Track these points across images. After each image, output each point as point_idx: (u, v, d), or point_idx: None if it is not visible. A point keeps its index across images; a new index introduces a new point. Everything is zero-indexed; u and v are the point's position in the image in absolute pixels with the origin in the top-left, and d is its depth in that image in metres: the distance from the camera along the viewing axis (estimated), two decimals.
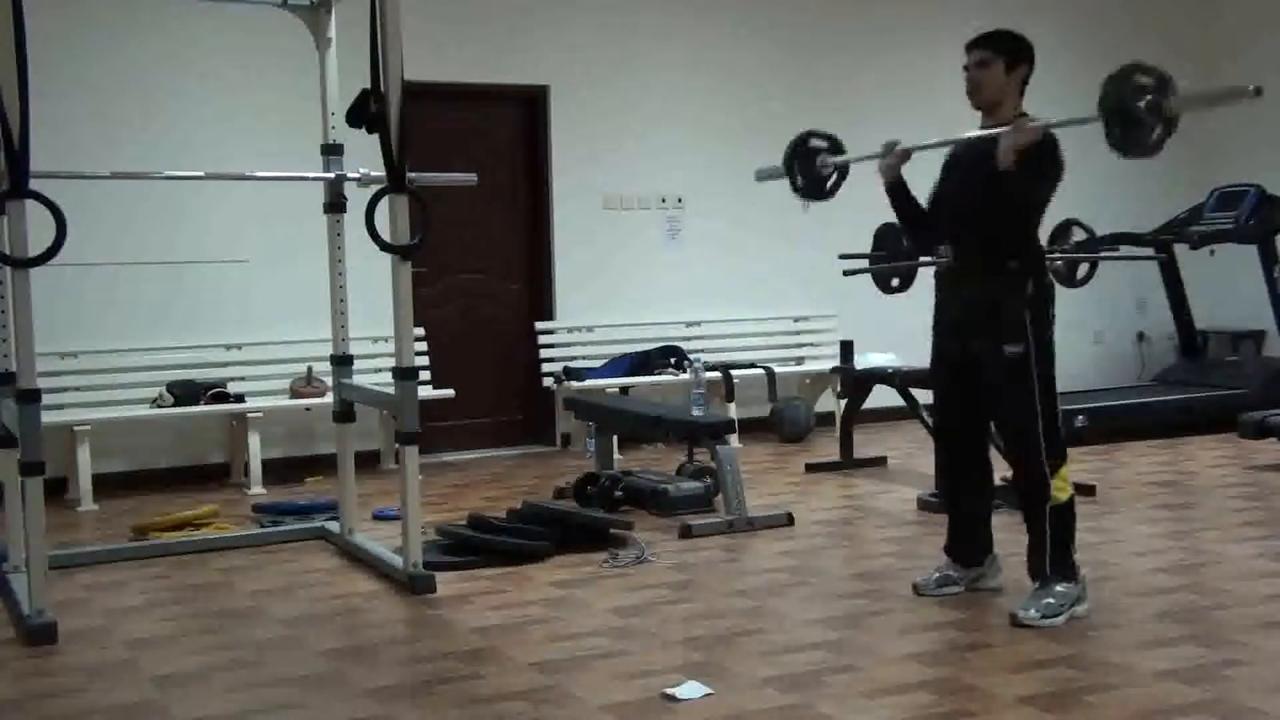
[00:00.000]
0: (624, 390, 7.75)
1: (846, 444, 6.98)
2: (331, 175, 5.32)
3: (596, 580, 4.74)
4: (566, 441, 7.92)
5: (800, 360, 8.50)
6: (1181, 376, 8.56)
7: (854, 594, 4.46)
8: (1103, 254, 6.61)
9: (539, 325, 7.96)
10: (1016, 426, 4.13)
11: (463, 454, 7.73)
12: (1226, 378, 8.22)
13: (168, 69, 7.00)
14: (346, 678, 3.70)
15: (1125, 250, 7.89)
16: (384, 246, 4.55)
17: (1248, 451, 7.12)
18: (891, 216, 4.51)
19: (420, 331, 6.87)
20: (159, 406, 6.83)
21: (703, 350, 7.85)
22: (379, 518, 5.91)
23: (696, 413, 5.99)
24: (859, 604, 4.33)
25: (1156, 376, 8.87)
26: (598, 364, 7.94)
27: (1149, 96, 3.54)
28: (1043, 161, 3.98)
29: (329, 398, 5.92)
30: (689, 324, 8.30)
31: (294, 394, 7.09)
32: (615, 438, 6.84)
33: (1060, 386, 4.13)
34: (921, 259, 6.30)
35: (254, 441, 6.84)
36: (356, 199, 4.95)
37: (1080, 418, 7.30)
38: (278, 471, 6.95)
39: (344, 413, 5.45)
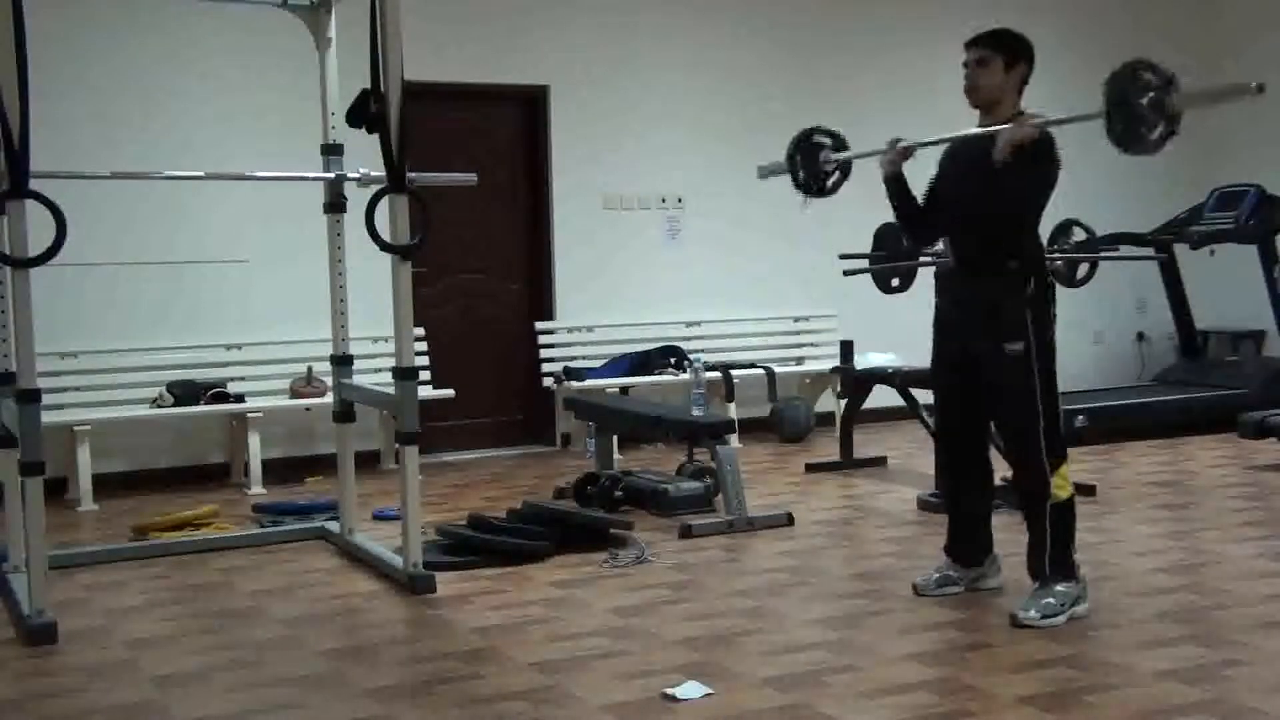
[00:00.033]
0: (624, 390, 7.75)
1: (846, 444, 6.98)
2: (331, 175, 5.32)
3: (596, 580, 4.74)
4: (566, 441, 7.92)
5: (800, 360, 8.50)
6: (1181, 376, 8.56)
7: (854, 594, 4.46)
8: (1103, 254, 6.60)
9: (539, 325, 7.96)
10: (1017, 425, 4.13)
11: (463, 454, 7.73)
12: (1226, 378, 8.22)
13: (168, 69, 7.00)
14: (346, 678, 3.70)
15: (1125, 250, 7.89)
16: (384, 246, 4.55)
17: (1248, 451, 7.12)
18: (892, 217, 4.51)
19: (420, 331, 6.88)
20: (159, 406, 6.84)
21: (703, 350, 7.84)
22: (379, 518, 5.91)
23: (696, 413, 5.99)
24: (859, 604, 4.33)
25: (1156, 376, 8.87)
26: (598, 364, 7.94)
27: (1152, 93, 3.54)
28: (1039, 159, 3.99)
29: (329, 398, 5.92)
30: (689, 324, 8.30)
31: (294, 394, 7.09)
32: (615, 438, 6.84)
33: (1060, 386, 4.13)
34: (921, 259, 6.30)
35: (254, 441, 6.84)
36: (356, 199, 4.95)
37: (1080, 418, 7.31)
38: (278, 471, 6.95)
39: (344, 413, 5.45)
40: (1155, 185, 8.92)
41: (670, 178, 8.24)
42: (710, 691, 3.45)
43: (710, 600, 4.43)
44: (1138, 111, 3.57)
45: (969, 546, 4.41)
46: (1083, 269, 6.49)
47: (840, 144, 4.76)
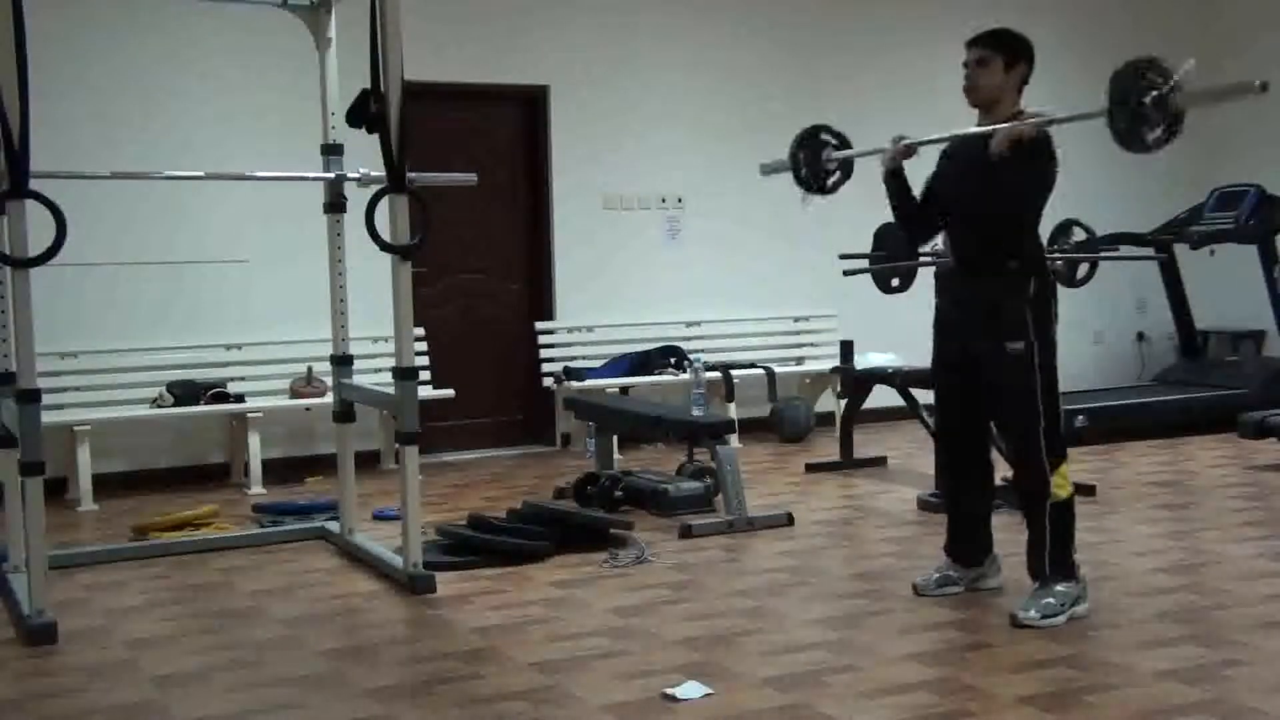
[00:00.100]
0: (624, 390, 7.75)
1: (846, 444, 6.98)
2: (331, 175, 5.32)
3: (596, 580, 4.74)
4: (566, 441, 7.92)
5: (800, 360, 8.50)
6: (1181, 376, 8.56)
7: (854, 594, 4.46)
8: (1103, 254, 6.60)
9: (539, 325, 7.96)
10: (1018, 425, 4.13)
11: (463, 454, 7.73)
12: (1226, 378, 8.22)
13: (168, 69, 7.00)
14: (346, 678, 3.70)
15: (1125, 250, 7.89)
16: (384, 246, 4.55)
17: (1248, 451, 7.12)
18: (892, 217, 4.51)
19: (420, 331, 6.88)
20: (159, 406, 6.84)
21: (703, 350, 7.85)
22: (379, 518, 5.91)
23: (696, 413, 5.99)
24: (859, 604, 4.33)
25: (1156, 376, 8.87)
26: (598, 364, 7.94)
27: (1155, 91, 3.54)
28: (1036, 157, 3.99)
29: (329, 398, 5.91)
30: (689, 324, 8.30)
31: (294, 394, 7.09)
32: (615, 438, 6.84)
33: (1060, 386, 4.13)
34: (921, 259, 6.30)
35: (254, 441, 6.85)
36: (356, 199, 4.94)
37: (1080, 418, 7.31)
38: (278, 471, 6.95)
39: (344, 413, 5.45)
40: (1155, 185, 8.92)
41: (670, 178, 8.24)
42: (710, 691, 3.45)
43: (710, 600, 4.43)
44: (1141, 110, 3.57)
45: (969, 546, 4.41)
46: (1083, 269, 6.50)
47: (844, 145, 4.77)
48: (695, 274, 8.28)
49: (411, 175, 4.55)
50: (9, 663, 3.91)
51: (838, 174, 4.78)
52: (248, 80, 7.13)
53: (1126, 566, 4.72)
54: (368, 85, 4.57)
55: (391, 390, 4.74)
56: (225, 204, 7.06)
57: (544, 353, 7.92)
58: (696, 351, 7.70)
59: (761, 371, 8.05)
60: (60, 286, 6.38)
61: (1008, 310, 4.06)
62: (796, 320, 8.58)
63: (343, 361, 5.46)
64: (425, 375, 7.27)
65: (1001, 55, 4.10)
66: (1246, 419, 6.98)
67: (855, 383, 7.03)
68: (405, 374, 4.59)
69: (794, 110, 7.04)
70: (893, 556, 4.98)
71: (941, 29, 8.00)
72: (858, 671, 3.62)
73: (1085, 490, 5.72)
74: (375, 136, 4.52)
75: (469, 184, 5.37)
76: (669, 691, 3.45)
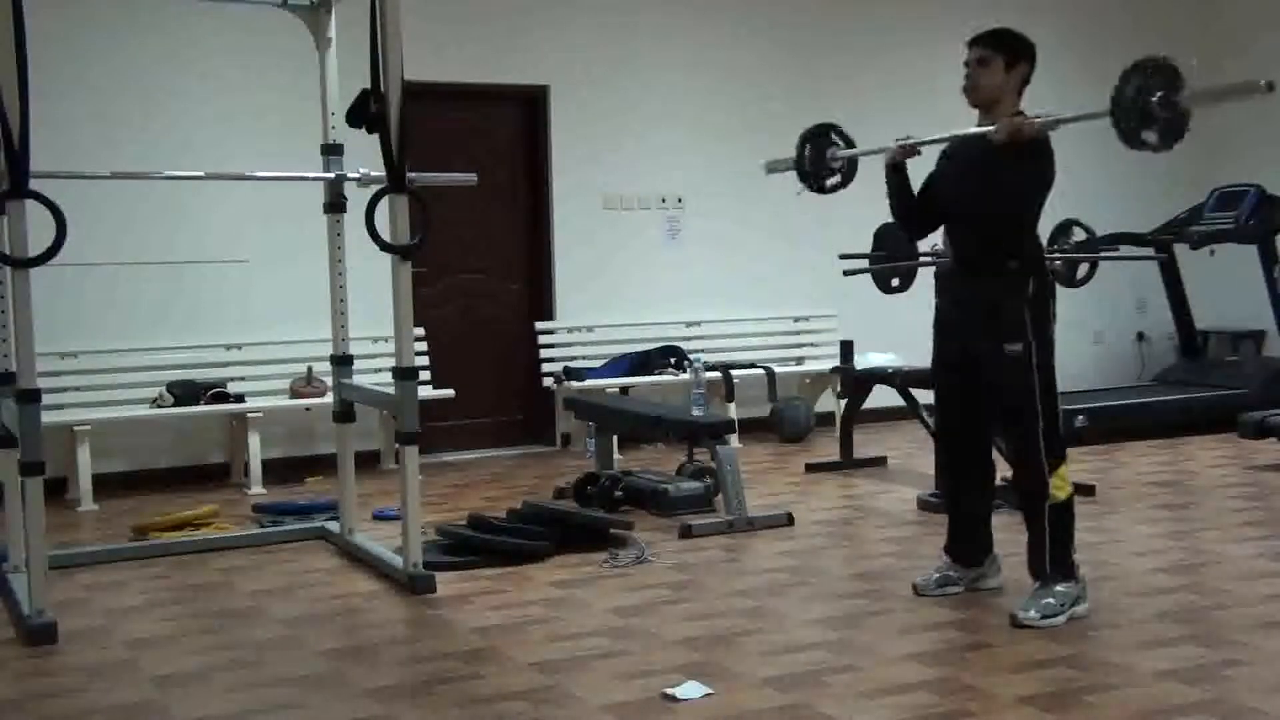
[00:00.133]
0: (624, 390, 7.75)
1: (846, 444, 6.98)
2: (331, 175, 5.32)
3: (596, 580, 4.74)
4: (566, 441, 7.92)
5: (800, 360, 8.50)
6: (1181, 376, 8.56)
7: (854, 594, 4.46)
8: (1103, 254, 6.60)
9: (539, 325, 7.96)
10: (1017, 425, 4.13)
11: (463, 454, 7.73)
12: (1226, 378, 8.22)
13: (168, 69, 7.00)
14: (346, 678, 3.70)
15: (1125, 250, 7.89)
16: (384, 246, 4.55)
17: (1248, 451, 7.12)
18: (892, 217, 4.52)
19: (420, 331, 6.88)
20: (159, 406, 6.84)
21: (703, 350, 7.84)
22: (379, 518, 5.91)
23: (696, 413, 5.99)
24: (859, 604, 4.33)
25: (1156, 376, 8.87)
26: (598, 364, 7.94)
27: (1161, 91, 3.54)
28: (1034, 157, 4.00)
29: (329, 398, 5.91)
30: (689, 324, 8.30)
31: (294, 394, 7.09)
32: (615, 438, 6.84)
33: (1060, 386, 4.13)
34: (921, 259, 6.31)
35: (254, 441, 6.84)
36: (356, 199, 4.94)
37: (1080, 418, 7.31)
38: (278, 471, 6.95)
39: (344, 413, 5.45)
40: (1155, 185, 8.92)
41: (670, 178, 8.24)
42: (710, 691, 3.45)
43: (710, 600, 4.43)
44: (1147, 110, 3.57)
45: (969, 546, 4.41)
46: (1083, 269, 6.49)
47: (845, 139, 4.78)
48: (695, 274, 8.28)
49: (411, 175, 4.55)
50: (9, 663, 3.91)
51: (838, 177, 4.78)
52: (248, 80, 7.13)
53: (1126, 566, 4.72)
54: (368, 85, 4.57)
55: (391, 390, 4.74)
56: (225, 204, 7.06)
57: (544, 353, 7.92)
58: (696, 351, 7.70)
59: (761, 371, 8.05)
60: (60, 286, 6.38)
61: (1007, 310, 4.06)
62: (796, 320, 8.58)
63: (343, 361, 5.46)
64: (425, 375, 7.27)
65: (1002, 55, 4.10)
66: (1246, 419, 6.98)
67: (855, 383, 7.03)
68: (405, 374, 4.59)
69: (794, 110, 7.05)
70: (893, 556, 4.98)
71: (941, 29, 8.00)
72: (858, 671, 3.62)
73: (1085, 490, 5.72)
74: (375, 136, 4.52)
75: (469, 184, 5.37)
76: (669, 691, 3.45)
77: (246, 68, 7.11)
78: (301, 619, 4.34)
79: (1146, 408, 7.96)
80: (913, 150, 4.32)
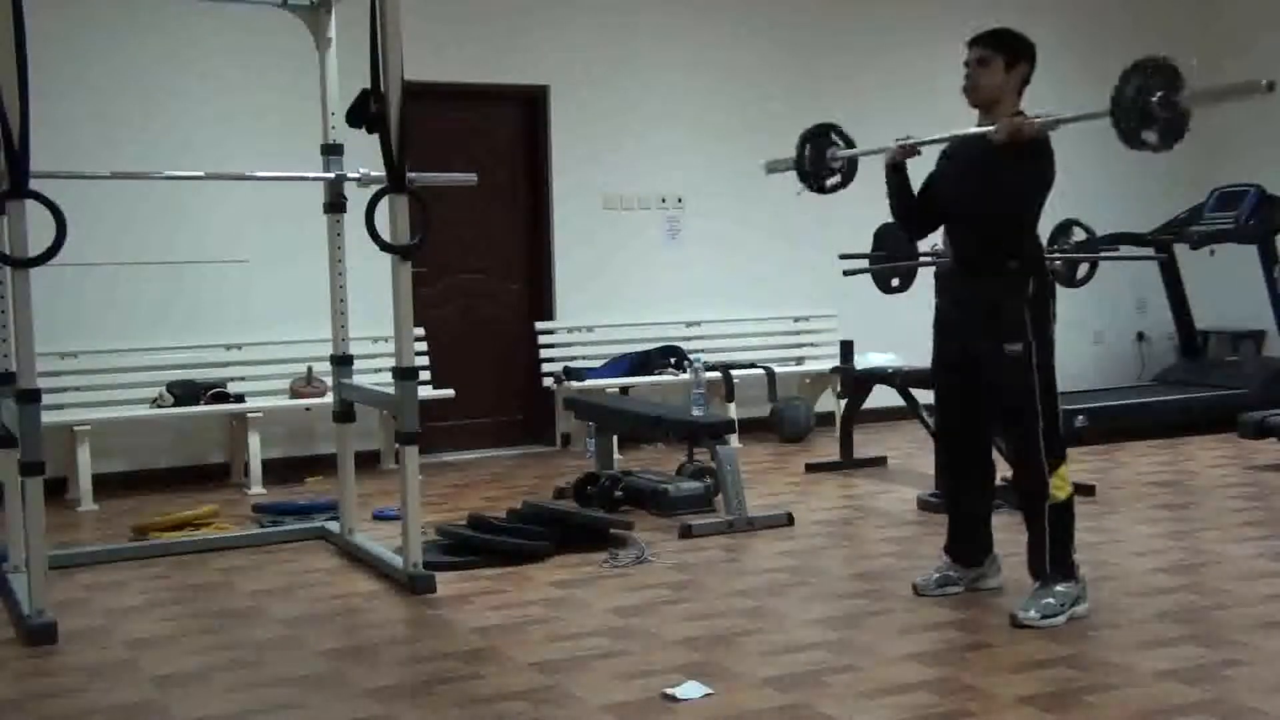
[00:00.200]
0: (624, 390, 7.75)
1: (846, 444, 6.98)
2: (331, 175, 5.32)
3: (596, 580, 4.74)
4: (566, 441, 7.92)
5: (800, 360, 8.50)
6: (1181, 376, 8.56)
7: (854, 594, 4.46)
8: (1103, 254, 6.60)
9: (539, 325, 7.96)
10: (1016, 425, 4.13)
11: (463, 454, 7.73)
12: (1226, 378, 8.22)
13: (168, 69, 7.00)
14: (346, 678, 3.70)
15: (1125, 250, 7.89)
16: (384, 246, 4.55)
17: (1248, 451, 7.12)
18: (891, 217, 4.52)
19: (420, 331, 6.88)
20: (159, 406, 6.84)
21: (703, 350, 7.85)
22: (379, 518, 5.91)
23: (696, 413, 5.99)
24: (859, 604, 4.33)
25: (1156, 376, 8.87)
26: (598, 364, 7.94)
27: (1161, 91, 3.54)
28: (1034, 157, 4.00)
29: (329, 398, 5.91)
30: (689, 324, 8.30)
31: (294, 394, 7.09)
32: (615, 438, 6.84)
33: (1060, 386, 4.13)
34: (921, 259, 6.31)
35: (254, 441, 6.84)
36: (356, 199, 4.94)
37: (1080, 418, 7.31)
38: (278, 471, 6.95)
39: (344, 413, 5.45)
40: (1155, 185, 8.92)
41: (670, 178, 8.24)
42: (710, 691, 3.45)
43: (710, 600, 4.43)
44: (1147, 110, 3.56)
45: (969, 546, 4.41)
46: (1083, 269, 6.50)
47: (845, 140, 4.78)
48: (695, 274, 8.28)
49: (411, 175, 4.55)
50: (9, 663, 3.91)
51: (838, 177, 4.78)
52: (248, 80, 7.13)
53: (1126, 566, 4.72)
54: (368, 85, 4.57)
55: (391, 390, 4.74)
56: (225, 204, 7.06)
57: (544, 353, 7.92)
58: (696, 351, 7.70)
59: (761, 371, 8.05)
60: (60, 286, 6.38)
61: (1007, 311, 4.06)
62: (796, 320, 8.58)
63: (343, 361, 5.46)
64: (425, 375, 7.27)
65: (1002, 55, 4.10)
66: (1246, 419, 6.98)
67: (855, 383, 7.03)
68: (405, 374, 4.59)
69: (794, 110, 7.05)
70: (893, 556, 4.98)
71: (941, 29, 8.00)
72: (858, 671, 3.62)
73: (1085, 490, 5.73)
74: (375, 136, 4.52)
75: (469, 184, 5.37)
76: (669, 691, 3.45)
77: (246, 68, 7.11)
78: (301, 619, 4.34)
79: (1146, 408, 7.96)
80: (913, 150, 4.32)
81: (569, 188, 7.98)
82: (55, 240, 4.12)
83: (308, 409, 7.08)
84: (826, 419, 8.06)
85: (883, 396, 6.91)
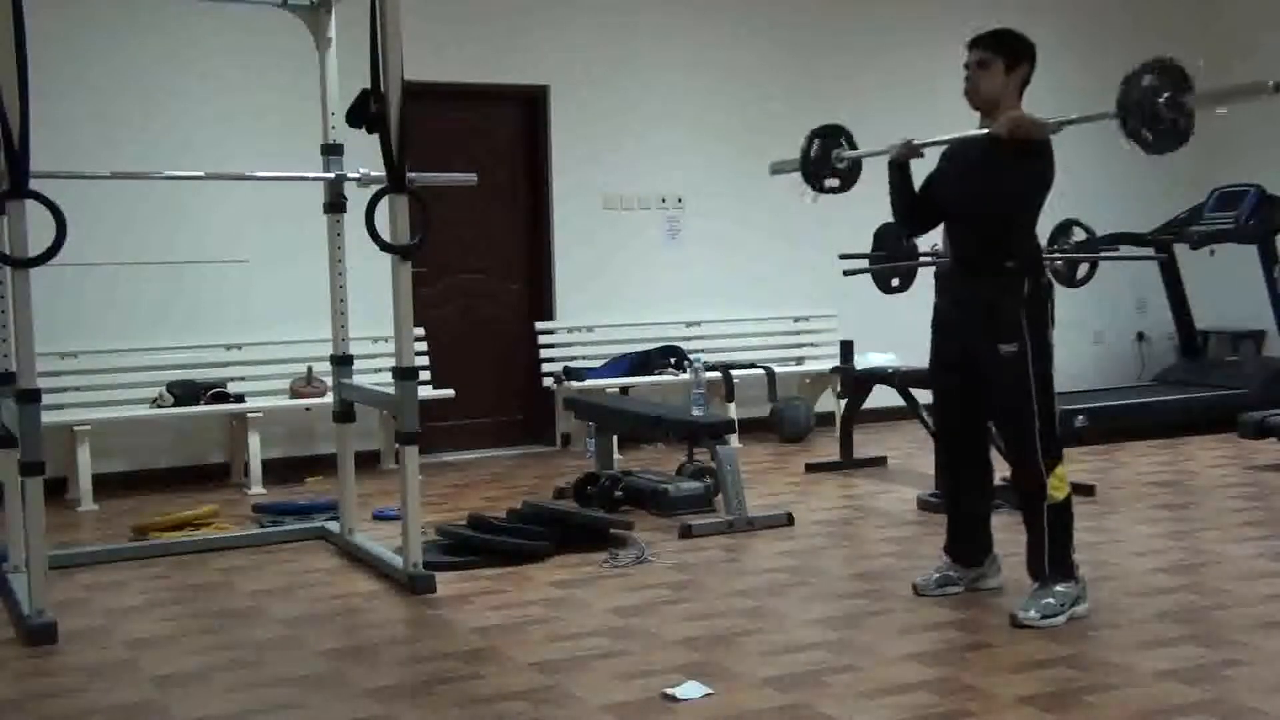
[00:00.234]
0: (624, 390, 7.75)
1: (846, 444, 6.98)
2: (331, 175, 5.32)
3: (596, 580, 4.74)
4: (566, 441, 7.92)
5: (800, 360, 8.50)
6: (1181, 376, 8.56)
7: (854, 594, 4.46)
8: (1103, 254, 6.59)
9: (539, 325, 7.96)
10: (1013, 426, 4.13)
11: (463, 454, 7.73)
12: (1226, 378, 8.22)
13: (168, 69, 7.00)
14: (346, 678, 3.70)
15: (1125, 250, 7.89)
16: (384, 246, 4.55)
17: (1248, 451, 7.12)
18: (892, 217, 4.52)
19: (420, 331, 6.88)
20: (159, 406, 6.84)
21: (703, 350, 7.85)
22: (379, 518, 5.91)
23: (696, 413, 5.99)
24: (859, 604, 4.33)
25: (1156, 376, 8.87)
26: (598, 364, 7.94)
27: (1168, 93, 3.54)
28: (1033, 157, 4.00)
29: (329, 398, 5.91)
30: (689, 324, 8.30)
31: (294, 394, 7.09)
32: (615, 438, 6.84)
33: (1060, 386, 4.13)
34: (921, 259, 6.31)
35: (254, 441, 6.84)
36: (356, 199, 4.94)
37: (1080, 418, 7.31)
38: (278, 471, 6.95)
39: (344, 413, 5.45)
40: (1155, 185, 8.92)
41: (670, 178, 8.24)
42: (710, 691, 3.45)
43: (710, 600, 4.43)
44: (1154, 111, 3.56)
45: (969, 546, 4.41)
46: (1083, 269, 6.49)
47: (853, 148, 4.79)
48: (695, 274, 8.28)
49: (411, 175, 4.55)
50: (9, 663, 3.91)
51: (837, 180, 4.79)
52: (248, 80, 7.13)
53: (1126, 566, 4.72)
54: (368, 85, 4.57)
55: (391, 390, 4.74)
56: (225, 204, 7.06)
57: (544, 353, 7.92)
58: (696, 351, 7.71)
59: (761, 371, 8.05)
60: (60, 286, 6.38)
61: (1004, 311, 4.06)
62: (796, 320, 8.58)
63: (343, 361, 5.46)
64: (425, 375, 7.27)
65: (1003, 57, 4.09)
66: (1246, 419, 6.98)
67: (855, 383, 7.03)
68: (405, 374, 4.59)
69: (794, 110, 7.06)
70: (893, 556, 4.98)
71: (941, 29, 8.01)
72: (858, 671, 3.62)
73: (1085, 490, 5.73)
74: (375, 136, 4.52)
75: (469, 184, 5.37)
76: (669, 691, 3.45)
77: (246, 68, 7.11)
78: (301, 619, 4.34)
79: (1146, 408, 7.96)
80: (917, 151, 4.32)
81: (569, 188, 7.98)
82: (55, 240, 4.12)
83: (308, 409, 7.08)
84: (826, 419, 8.06)
85: (883, 396, 6.91)
